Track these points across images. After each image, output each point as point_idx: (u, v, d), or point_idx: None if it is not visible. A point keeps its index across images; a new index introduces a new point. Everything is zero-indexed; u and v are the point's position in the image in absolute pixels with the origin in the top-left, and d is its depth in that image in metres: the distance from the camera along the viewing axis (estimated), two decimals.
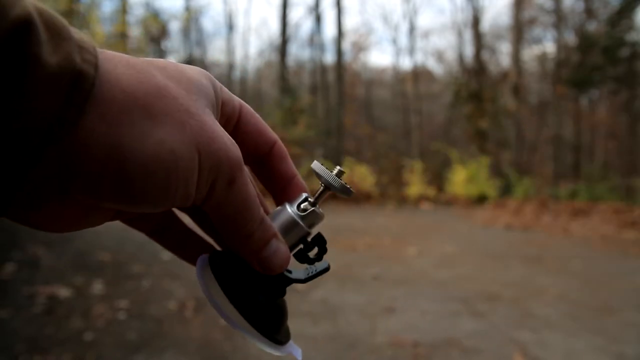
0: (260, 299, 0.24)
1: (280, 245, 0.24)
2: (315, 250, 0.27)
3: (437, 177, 11.52)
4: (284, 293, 0.26)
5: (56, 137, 0.17)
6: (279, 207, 0.26)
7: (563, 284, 3.08)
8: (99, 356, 1.71)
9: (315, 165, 0.26)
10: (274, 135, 0.27)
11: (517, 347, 1.94)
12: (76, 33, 0.17)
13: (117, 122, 0.18)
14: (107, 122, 0.17)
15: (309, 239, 0.26)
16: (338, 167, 0.26)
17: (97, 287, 2.47)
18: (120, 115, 0.18)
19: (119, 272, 2.78)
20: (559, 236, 5.56)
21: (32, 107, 0.16)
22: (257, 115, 0.27)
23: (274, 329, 0.24)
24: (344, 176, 0.27)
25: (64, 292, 2.33)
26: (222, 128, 0.21)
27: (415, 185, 10.65)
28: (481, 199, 9.92)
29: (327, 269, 0.26)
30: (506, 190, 10.23)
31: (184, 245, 0.28)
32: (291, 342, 0.26)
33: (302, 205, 0.26)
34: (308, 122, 10.93)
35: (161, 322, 2.07)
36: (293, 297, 2.54)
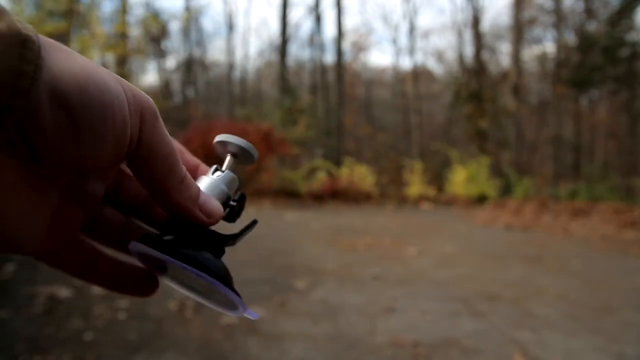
0: (209, 256, 0.24)
1: (209, 195, 0.25)
2: (237, 208, 0.28)
3: (437, 177, 11.52)
4: (223, 251, 0.26)
5: (21, 92, 0.18)
6: (196, 179, 0.27)
7: (563, 284, 3.08)
8: (99, 356, 1.71)
9: (221, 135, 0.28)
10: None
11: (517, 347, 1.94)
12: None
13: (48, 59, 0.19)
14: (48, 76, 0.19)
15: (230, 201, 0.28)
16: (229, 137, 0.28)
17: (97, 287, 2.47)
18: (48, 53, 0.19)
19: None
20: (559, 236, 5.56)
21: None
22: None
23: (233, 288, 0.25)
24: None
25: (64, 292, 2.33)
26: None
27: (415, 185, 10.65)
28: (481, 199, 9.92)
29: (254, 223, 0.28)
30: (506, 190, 10.23)
31: (120, 281, 0.29)
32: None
33: (216, 173, 0.28)
34: (308, 122, 10.93)
35: (161, 322, 2.07)
36: (293, 297, 2.54)
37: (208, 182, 0.27)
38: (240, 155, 0.28)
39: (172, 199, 0.23)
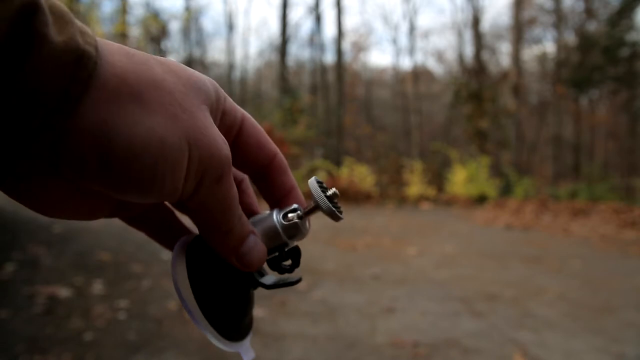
0: (221, 291, 0.24)
1: (257, 242, 0.25)
2: (290, 261, 0.27)
3: (437, 177, 11.52)
4: (247, 293, 0.26)
5: (62, 112, 0.17)
6: (266, 212, 0.27)
7: (563, 283, 3.08)
8: (99, 356, 1.71)
9: (312, 183, 0.26)
10: (274, 148, 0.27)
11: (517, 347, 1.94)
12: (77, 20, 0.18)
13: (107, 105, 0.18)
14: (97, 103, 0.18)
15: (287, 249, 0.26)
16: (334, 189, 0.26)
17: (97, 287, 2.47)
18: (110, 98, 0.18)
19: (119, 272, 2.78)
20: (559, 236, 5.56)
21: (40, 83, 0.16)
22: (260, 128, 0.27)
23: (229, 324, 0.25)
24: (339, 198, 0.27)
25: (64, 292, 2.33)
26: (215, 127, 0.22)
27: (415, 185, 10.65)
28: (481, 199, 9.92)
29: (296, 282, 0.26)
30: (506, 190, 10.24)
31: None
32: (246, 342, 0.26)
33: (289, 215, 0.26)
34: (308, 122, 10.93)
35: (161, 322, 2.07)
36: (293, 296, 2.54)
37: (269, 222, 0.26)
38: (323, 211, 0.26)
39: (213, 243, 0.24)
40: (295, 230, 0.26)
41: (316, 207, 0.26)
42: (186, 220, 0.29)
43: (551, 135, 13.39)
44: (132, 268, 2.86)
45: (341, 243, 4.44)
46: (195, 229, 0.29)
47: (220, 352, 1.79)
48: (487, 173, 10.47)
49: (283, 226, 0.25)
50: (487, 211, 8.20)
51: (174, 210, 0.29)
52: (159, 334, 1.92)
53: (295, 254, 0.27)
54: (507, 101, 12.98)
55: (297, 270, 0.27)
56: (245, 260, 0.24)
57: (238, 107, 0.26)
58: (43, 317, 2.03)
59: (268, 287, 0.26)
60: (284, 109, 10.98)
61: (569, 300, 2.68)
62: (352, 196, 9.77)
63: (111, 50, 0.19)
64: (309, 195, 0.27)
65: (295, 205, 0.27)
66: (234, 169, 0.28)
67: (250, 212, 0.28)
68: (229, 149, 0.22)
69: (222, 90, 0.24)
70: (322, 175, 9.90)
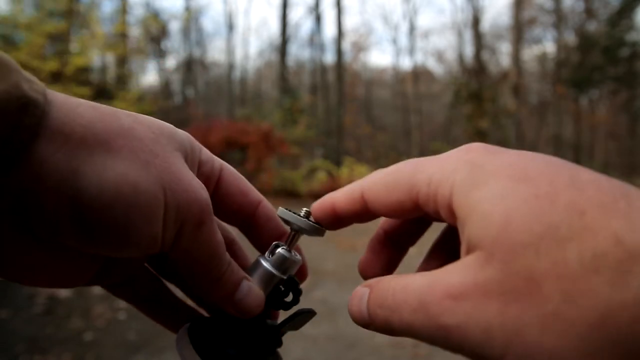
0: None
1: (251, 286, 0.24)
2: (290, 295, 0.26)
3: None
4: (271, 348, 0.25)
5: (7, 162, 0.16)
6: (254, 261, 0.26)
7: None
8: (99, 356, 1.71)
9: (281, 211, 0.25)
10: (258, 195, 0.26)
11: None
12: (23, 70, 0.17)
13: (74, 153, 0.17)
14: (62, 153, 0.17)
15: (283, 284, 0.26)
16: (304, 209, 0.26)
17: (97, 287, 2.47)
18: (78, 147, 0.17)
19: None
20: None
21: None
22: (240, 176, 0.26)
23: None
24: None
25: (64, 292, 2.33)
26: (191, 172, 0.21)
27: None
28: None
29: (310, 314, 0.26)
30: None
31: (173, 316, 0.27)
32: None
33: (275, 252, 0.25)
34: (308, 122, 10.94)
35: None
36: None
37: (259, 268, 0.25)
38: (305, 232, 0.25)
39: (206, 295, 0.23)
40: (284, 261, 0.25)
41: (297, 231, 0.25)
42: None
43: (551, 135, 13.41)
44: None
45: (341, 243, 4.44)
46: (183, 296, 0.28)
47: None
48: None
49: (272, 263, 0.25)
50: None
51: (163, 280, 0.28)
52: (159, 334, 1.93)
53: (293, 285, 0.26)
54: (507, 101, 12.99)
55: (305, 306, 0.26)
56: (242, 306, 0.23)
57: (216, 157, 0.25)
58: (43, 317, 2.03)
59: (280, 326, 0.26)
60: (284, 109, 10.99)
61: None
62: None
63: (76, 102, 0.19)
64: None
65: (274, 243, 0.26)
66: (222, 227, 0.27)
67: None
68: (207, 193, 0.21)
69: (197, 142, 0.24)
70: (322, 175, 9.91)
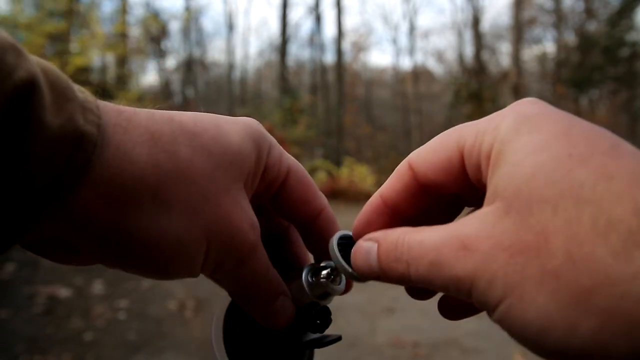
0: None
1: (286, 303, 0.24)
2: (319, 322, 0.26)
3: None
4: (303, 355, 0.26)
5: (54, 197, 0.16)
6: (301, 267, 0.26)
7: None
8: (99, 356, 1.71)
9: (332, 249, 0.24)
10: (322, 203, 0.26)
11: (517, 347, 1.94)
12: (80, 92, 0.17)
13: (122, 206, 0.17)
14: (110, 205, 0.17)
15: (316, 309, 0.26)
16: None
17: (97, 287, 2.47)
18: (127, 200, 0.17)
19: (119, 272, 2.77)
20: None
21: (34, 169, 0.15)
22: (308, 181, 0.25)
23: None
24: None
25: (64, 292, 2.33)
26: (244, 207, 0.21)
27: None
28: None
29: (337, 340, 0.27)
30: None
31: None
32: None
33: (321, 273, 0.25)
34: (308, 122, 10.93)
35: (161, 322, 2.07)
36: None
37: (299, 281, 0.25)
38: (345, 275, 0.24)
39: (239, 302, 0.24)
40: (321, 290, 0.25)
41: (343, 273, 0.25)
42: None
43: None
44: None
45: None
46: None
47: None
48: None
49: (310, 285, 0.25)
50: None
51: None
52: (159, 334, 1.92)
53: (324, 315, 0.26)
54: (507, 101, 12.97)
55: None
56: (270, 322, 0.23)
57: (286, 158, 0.24)
58: (43, 317, 2.03)
59: (307, 344, 0.26)
60: (284, 109, 10.98)
61: None
62: (352, 196, 9.77)
63: (132, 139, 0.18)
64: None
65: (325, 263, 0.25)
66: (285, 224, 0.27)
67: (298, 263, 0.27)
68: (257, 232, 0.21)
69: (267, 142, 0.23)
70: (322, 175, 9.91)
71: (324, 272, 0.25)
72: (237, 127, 0.21)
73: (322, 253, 0.26)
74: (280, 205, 0.25)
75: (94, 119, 0.17)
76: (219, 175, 0.20)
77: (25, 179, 0.15)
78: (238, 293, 0.23)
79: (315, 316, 0.26)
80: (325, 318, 0.26)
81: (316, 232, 0.26)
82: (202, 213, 0.19)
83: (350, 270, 0.23)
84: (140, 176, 0.17)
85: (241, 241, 0.20)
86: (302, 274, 0.25)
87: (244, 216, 0.20)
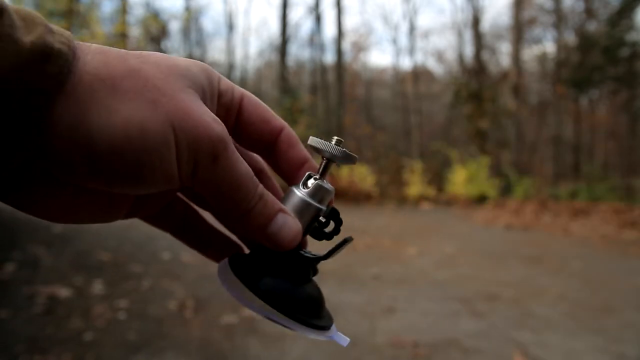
0: (286, 288, 0.23)
1: (288, 219, 0.23)
2: (332, 225, 0.26)
3: (437, 177, 11.52)
4: (309, 277, 0.25)
5: (38, 110, 0.17)
6: (286, 192, 0.26)
7: (563, 284, 3.08)
8: (99, 356, 1.71)
9: (312, 140, 0.25)
10: (281, 122, 0.26)
11: (517, 347, 1.94)
12: (50, 24, 0.18)
13: (82, 101, 0.18)
14: (72, 102, 0.18)
15: (323, 215, 0.25)
16: (335, 137, 0.26)
17: (97, 287, 2.47)
18: (85, 94, 0.18)
19: (119, 272, 2.78)
20: (559, 236, 5.56)
21: (11, 81, 0.16)
22: (262, 104, 0.26)
23: (311, 314, 0.24)
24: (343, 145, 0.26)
25: (64, 292, 2.33)
26: (204, 106, 0.21)
27: (415, 185, 10.65)
28: (481, 199, 9.92)
29: (347, 241, 0.25)
30: (506, 190, 10.23)
31: (208, 244, 0.28)
32: (334, 327, 0.26)
33: (308, 183, 0.25)
34: (308, 122, 10.93)
35: (161, 322, 2.07)
36: None
37: (294, 197, 0.25)
38: (338, 159, 0.25)
39: (238, 229, 0.24)
40: (321, 191, 0.25)
41: (330, 160, 0.25)
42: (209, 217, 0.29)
43: (551, 135, 13.40)
44: (132, 268, 2.86)
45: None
46: (219, 225, 0.29)
47: (221, 352, 1.79)
48: (487, 173, 10.47)
49: (308, 193, 0.25)
50: (487, 211, 8.20)
51: (197, 209, 0.28)
52: (159, 334, 1.92)
53: (334, 215, 0.26)
54: (507, 101, 12.97)
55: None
56: (277, 239, 0.23)
57: (236, 86, 0.25)
58: (43, 317, 2.03)
59: (325, 257, 0.25)
60: (284, 109, 10.98)
61: (569, 300, 2.68)
62: (352, 196, 9.76)
63: (85, 49, 0.19)
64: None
65: (307, 173, 0.26)
66: (249, 156, 0.27)
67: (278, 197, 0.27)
68: (222, 126, 0.21)
69: (215, 72, 0.23)
70: None
71: (311, 178, 0.25)
72: (184, 58, 0.22)
73: (293, 173, 0.27)
74: (242, 133, 0.25)
75: (64, 40, 0.18)
76: (170, 80, 0.20)
77: (4, 92, 0.16)
78: (227, 205, 0.22)
79: (327, 218, 0.25)
80: (337, 217, 0.26)
81: (281, 150, 0.26)
82: (161, 104, 0.19)
83: (344, 150, 0.25)
84: (96, 73, 0.18)
85: (208, 133, 0.20)
86: (293, 191, 0.25)
87: (205, 111, 0.20)
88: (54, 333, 1.87)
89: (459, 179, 10.44)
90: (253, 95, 0.26)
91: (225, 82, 0.24)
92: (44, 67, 0.17)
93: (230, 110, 0.24)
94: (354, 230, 5.39)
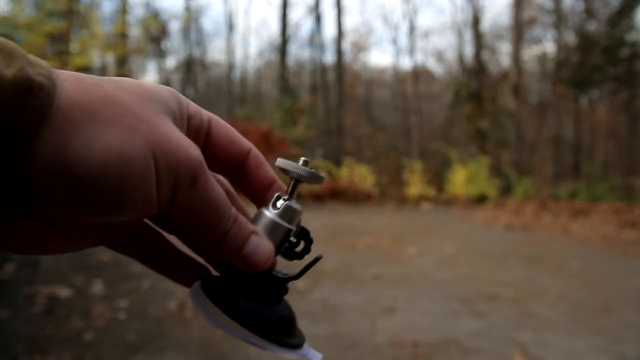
0: (260, 309, 0.24)
1: (260, 240, 0.24)
2: (302, 245, 0.26)
3: (437, 177, 11.52)
4: (281, 296, 0.26)
5: (20, 143, 0.17)
6: (255, 214, 0.26)
7: (563, 284, 3.08)
8: (99, 356, 1.71)
9: (280, 161, 0.26)
10: (248, 143, 0.27)
11: (517, 347, 1.94)
12: (28, 55, 0.18)
13: (63, 131, 0.18)
14: (53, 133, 0.17)
15: (293, 235, 0.26)
16: (302, 158, 0.26)
17: (97, 287, 2.47)
18: (65, 124, 0.18)
19: (119, 272, 2.78)
20: (559, 236, 5.56)
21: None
22: (229, 127, 0.26)
23: (284, 334, 0.24)
24: (310, 165, 0.26)
25: (64, 292, 2.33)
26: (179, 132, 0.21)
27: (415, 185, 10.65)
28: (481, 199, 9.92)
29: (317, 259, 0.25)
30: (506, 190, 10.23)
31: (176, 268, 0.28)
32: (306, 345, 0.26)
33: (277, 204, 0.26)
34: (308, 122, 10.93)
35: (161, 322, 2.07)
36: (293, 296, 2.54)
37: (264, 219, 0.25)
38: (305, 179, 0.26)
39: (213, 253, 0.23)
40: (290, 211, 0.25)
41: (297, 181, 0.26)
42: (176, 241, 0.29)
43: (551, 135, 13.40)
44: (132, 268, 2.86)
45: (341, 243, 4.44)
46: (185, 249, 0.29)
47: (221, 352, 1.79)
48: (487, 173, 10.47)
49: (278, 214, 0.25)
50: (487, 211, 8.20)
51: (163, 234, 0.28)
52: (159, 334, 1.92)
53: (305, 235, 0.26)
54: (507, 101, 12.98)
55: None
56: (251, 261, 0.23)
57: (203, 109, 0.25)
58: (43, 317, 2.03)
59: (296, 276, 0.26)
60: (284, 109, 10.99)
61: (569, 300, 2.68)
62: (352, 196, 9.77)
63: (62, 77, 0.19)
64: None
65: (276, 194, 0.26)
66: (217, 179, 0.27)
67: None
68: (198, 150, 0.21)
69: (183, 97, 0.24)
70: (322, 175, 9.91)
71: (280, 199, 0.26)
72: (152, 82, 0.23)
73: (261, 195, 0.27)
74: (210, 154, 0.25)
75: (44, 72, 0.18)
76: (145, 105, 0.20)
77: None
78: (203, 231, 0.22)
79: (298, 238, 0.26)
80: (307, 236, 0.26)
81: (249, 171, 0.27)
82: (140, 130, 0.19)
83: (311, 171, 0.25)
84: (73, 101, 0.18)
85: (186, 157, 0.20)
86: (263, 213, 0.25)
87: (181, 135, 0.21)
88: (54, 333, 1.87)
89: (459, 179, 10.45)
90: (220, 118, 0.26)
91: (193, 106, 0.25)
92: (27, 100, 0.17)
93: (199, 133, 0.25)
94: (354, 230, 5.39)
